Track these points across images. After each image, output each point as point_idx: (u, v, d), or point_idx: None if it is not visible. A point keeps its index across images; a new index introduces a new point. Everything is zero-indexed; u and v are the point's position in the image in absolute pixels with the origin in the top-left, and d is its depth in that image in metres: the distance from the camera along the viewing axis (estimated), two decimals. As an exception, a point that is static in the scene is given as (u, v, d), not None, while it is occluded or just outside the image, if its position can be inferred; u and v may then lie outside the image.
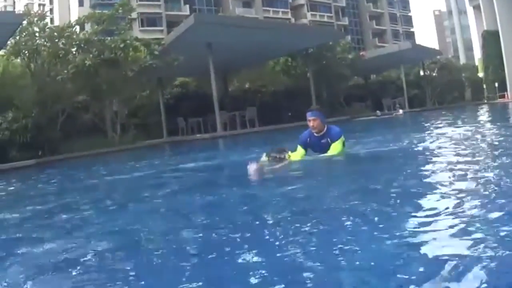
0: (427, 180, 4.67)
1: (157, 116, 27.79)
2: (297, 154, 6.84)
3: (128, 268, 2.78)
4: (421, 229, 2.79)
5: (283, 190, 4.79)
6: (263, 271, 2.39)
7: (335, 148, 6.73)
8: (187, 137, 25.11)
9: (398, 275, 2.14)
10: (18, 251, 3.35)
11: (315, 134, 6.84)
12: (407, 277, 2.11)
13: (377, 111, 33.92)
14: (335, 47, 33.92)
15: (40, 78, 20.75)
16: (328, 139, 6.77)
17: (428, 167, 5.69)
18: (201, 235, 3.32)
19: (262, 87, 33.39)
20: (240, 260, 2.58)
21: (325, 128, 6.87)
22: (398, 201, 3.68)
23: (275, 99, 31.58)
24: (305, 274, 2.31)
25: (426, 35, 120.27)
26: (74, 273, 2.68)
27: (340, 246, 2.62)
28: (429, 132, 12.30)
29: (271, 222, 3.53)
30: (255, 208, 4.23)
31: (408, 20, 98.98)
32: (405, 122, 22.22)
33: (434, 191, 3.88)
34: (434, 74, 47.06)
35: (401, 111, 31.61)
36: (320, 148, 6.85)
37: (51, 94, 20.37)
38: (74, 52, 21.80)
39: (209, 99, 24.63)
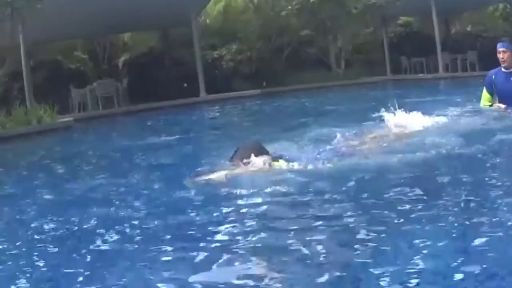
0: None
1: (380, 54, 25.61)
2: (484, 99, 5.73)
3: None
4: None
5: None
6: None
7: None
8: (410, 76, 23.37)
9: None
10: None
11: (503, 70, 5.51)
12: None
13: None
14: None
15: (264, 13, 20.57)
16: None
17: None
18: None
19: (483, 32, 29.28)
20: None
21: None
22: None
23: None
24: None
25: None
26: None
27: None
28: None
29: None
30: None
31: None
32: None
33: None
34: None
35: None
36: (507, 86, 5.44)
37: (275, 28, 20.14)
38: (298, -11, 21.09)
39: (431, 40, 22.53)
